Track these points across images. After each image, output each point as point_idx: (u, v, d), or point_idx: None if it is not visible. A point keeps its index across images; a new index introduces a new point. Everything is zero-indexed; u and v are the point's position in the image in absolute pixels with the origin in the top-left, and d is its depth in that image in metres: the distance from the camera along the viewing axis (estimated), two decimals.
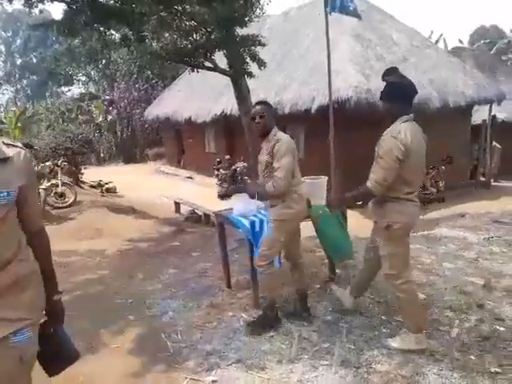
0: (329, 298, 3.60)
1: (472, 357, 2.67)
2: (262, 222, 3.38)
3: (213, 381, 2.56)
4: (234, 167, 10.40)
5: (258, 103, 3.10)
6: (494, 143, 10.56)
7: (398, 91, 2.67)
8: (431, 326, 3.04)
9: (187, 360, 2.79)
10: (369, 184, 2.59)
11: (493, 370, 2.52)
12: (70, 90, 26.90)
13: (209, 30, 5.82)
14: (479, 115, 11.06)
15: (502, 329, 2.99)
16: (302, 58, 10.04)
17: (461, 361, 2.62)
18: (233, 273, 4.07)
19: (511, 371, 2.50)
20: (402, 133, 2.51)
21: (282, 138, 2.91)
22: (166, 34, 6.04)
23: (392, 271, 2.68)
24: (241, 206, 3.64)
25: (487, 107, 10.49)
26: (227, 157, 11.19)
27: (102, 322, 3.38)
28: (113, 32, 7.96)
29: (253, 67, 6.21)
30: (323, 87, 7.42)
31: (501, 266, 4.33)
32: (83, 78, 23.93)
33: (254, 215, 3.49)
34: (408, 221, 2.64)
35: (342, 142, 6.94)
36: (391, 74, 2.72)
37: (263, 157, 2.99)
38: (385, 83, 2.73)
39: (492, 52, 17.91)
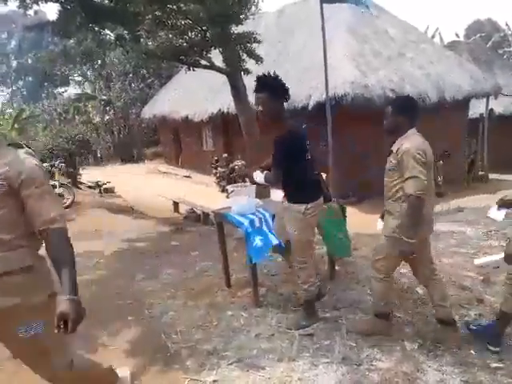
0: (328, 295, 3.60)
1: (472, 352, 2.67)
2: (260, 220, 3.38)
3: (213, 381, 2.56)
4: (232, 165, 10.39)
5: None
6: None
7: None
8: (431, 322, 3.04)
9: (187, 360, 2.78)
10: None
11: (493, 365, 2.52)
12: (66, 91, 26.80)
13: (204, 28, 5.80)
14: (476, 109, 11.06)
15: None
16: (298, 55, 10.01)
17: (461, 356, 2.62)
18: (232, 272, 4.06)
19: None
20: None
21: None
22: (161, 33, 6.01)
23: None
24: (239, 204, 3.63)
25: (484, 101, 10.49)
26: (225, 155, 11.18)
27: (101, 323, 3.37)
28: (108, 32, 7.93)
29: (249, 64, 6.19)
30: (320, 84, 7.39)
31: (500, 260, 4.33)
32: (79, 79, 23.83)
33: (253, 213, 3.47)
34: None
35: (339, 139, 6.92)
36: None
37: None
38: None
39: (488, 45, 17.90)
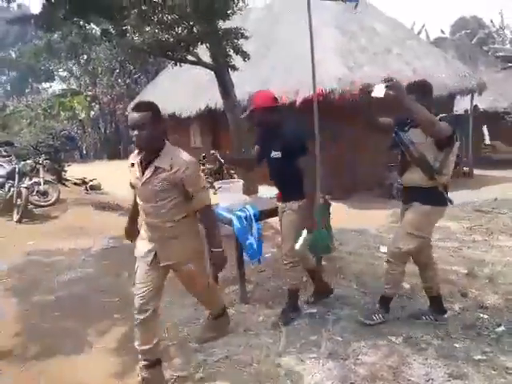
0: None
1: (456, 345, 2.71)
2: (247, 217, 3.38)
3: (201, 378, 2.56)
4: (219, 162, 10.35)
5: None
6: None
7: None
8: (415, 316, 3.09)
9: (174, 357, 2.78)
10: None
11: (477, 357, 2.57)
12: (51, 87, 26.36)
13: (190, 23, 5.74)
14: (461, 105, 11.19)
15: (485, 316, 3.05)
16: (286, 51, 9.99)
17: (445, 349, 2.67)
18: None
19: (495, 358, 2.55)
20: None
21: None
22: (147, 28, 5.92)
23: None
24: (227, 200, 3.63)
25: (468, 97, 10.61)
26: (212, 151, 11.12)
27: (87, 322, 3.34)
28: (93, 26, 7.80)
29: (236, 60, 6.16)
30: (307, 79, 7.38)
31: (483, 255, 4.41)
32: (64, 74, 23.45)
33: (241, 210, 3.47)
34: None
35: (326, 134, 6.94)
36: None
37: None
38: None
39: (473, 42, 18.10)
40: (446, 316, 3.04)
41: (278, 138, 2.95)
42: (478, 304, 3.25)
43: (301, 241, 2.90)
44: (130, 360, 2.78)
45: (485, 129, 2.85)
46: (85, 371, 2.70)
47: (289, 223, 3.02)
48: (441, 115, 2.71)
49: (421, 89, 2.78)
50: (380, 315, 3.03)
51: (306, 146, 2.92)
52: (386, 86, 2.42)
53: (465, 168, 10.24)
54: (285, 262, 3.09)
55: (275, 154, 2.96)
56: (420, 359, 2.58)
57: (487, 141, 2.86)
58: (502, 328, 2.86)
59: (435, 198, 2.76)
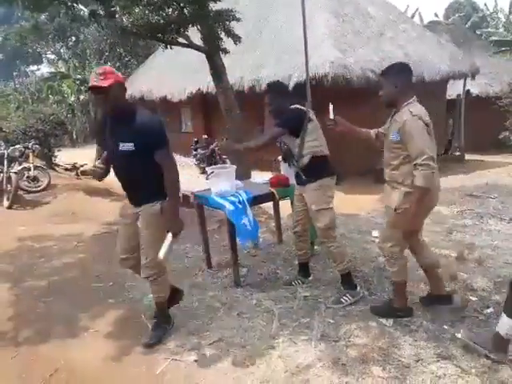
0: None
1: (445, 326, 2.76)
2: (240, 202, 3.38)
3: (194, 360, 2.58)
4: (212, 147, 10.30)
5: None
6: None
7: None
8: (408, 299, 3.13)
9: (168, 341, 2.80)
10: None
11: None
12: (39, 69, 25.83)
13: (181, 4, 5.62)
14: (454, 89, 11.19)
15: (474, 299, 3.11)
16: (279, 34, 9.87)
17: (435, 331, 2.72)
18: (213, 253, 4.07)
19: None
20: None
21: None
22: (137, 9, 5.79)
23: None
24: (219, 185, 3.61)
25: (462, 81, 10.61)
26: (205, 136, 11.05)
27: (81, 306, 3.35)
28: (81, 7, 7.59)
29: (228, 43, 6.06)
30: (300, 64, 7.32)
31: (473, 238, 4.47)
32: (52, 57, 22.95)
33: (233, 195, 3.47)
34: None
35: (319, 119, 6.91)
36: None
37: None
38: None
39: (466, 26, 18.02)
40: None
41: (130, 126, 2.46)
42: (468, 287, 3.30)
43: (165, 248, 2.50)
44: (124, 343, 2.81)
45: (330, 106, 3.08)
46: (79, 355, 2.72)
47: (148, 231, 2.61)
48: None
49: (275, 88, 3.31)
50: (348, 296, 3.10)
51: (165, 136, 2.62)
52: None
53: (456, 153, 10.31)
54: (145, 276, 2.68)
55: (124, 146, 2.49)
56: (410, 340, 2.62)
57: (331, 116, 3.08)
58: (490, 310, 2.92)
59: (317, 173, 3.16)
